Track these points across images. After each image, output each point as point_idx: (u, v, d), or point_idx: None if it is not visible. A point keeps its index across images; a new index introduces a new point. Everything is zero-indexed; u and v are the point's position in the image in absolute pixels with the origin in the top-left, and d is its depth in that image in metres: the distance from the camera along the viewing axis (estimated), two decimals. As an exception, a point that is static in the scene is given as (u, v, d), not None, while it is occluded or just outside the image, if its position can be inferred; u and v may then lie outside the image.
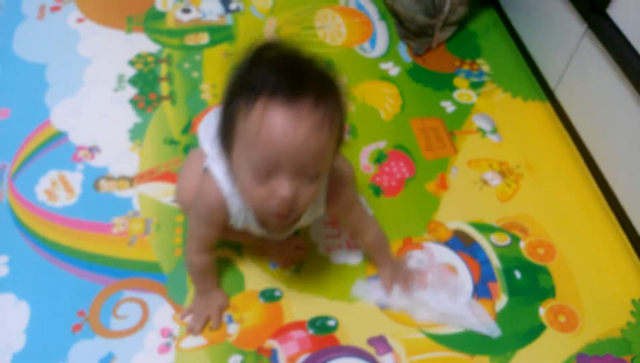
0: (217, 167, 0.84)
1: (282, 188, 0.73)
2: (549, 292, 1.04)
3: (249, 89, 0.71)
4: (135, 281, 1.03)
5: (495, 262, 1.08)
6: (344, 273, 1.06)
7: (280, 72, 0.71)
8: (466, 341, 0.98)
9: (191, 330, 0.96)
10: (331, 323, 0.99)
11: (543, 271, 1.07)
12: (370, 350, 0.96)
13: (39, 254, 1.06)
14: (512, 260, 1.09)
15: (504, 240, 1.11)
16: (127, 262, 1.06)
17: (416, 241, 1.11)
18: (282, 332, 0.98)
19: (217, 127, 0.79)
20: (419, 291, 1.01)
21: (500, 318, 1.01)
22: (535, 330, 1.00)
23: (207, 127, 0.91)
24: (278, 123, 0.69)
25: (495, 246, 1.10)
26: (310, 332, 0.97)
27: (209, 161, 0.87)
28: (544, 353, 0.97)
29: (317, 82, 0.72)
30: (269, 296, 1.02)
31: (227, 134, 0.77)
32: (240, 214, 0.87)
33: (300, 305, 1.00)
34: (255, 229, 0.91)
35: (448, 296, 1.00)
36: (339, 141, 0.78)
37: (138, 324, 0.98)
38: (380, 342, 0.97)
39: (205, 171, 0.88)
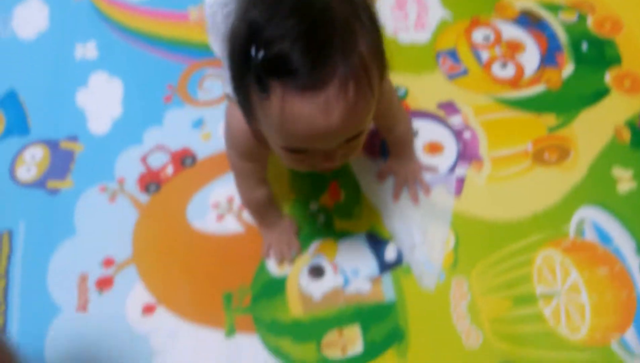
0: None
1: (324, 162, 0.64)
2: (614, 61, 1.07)
3: (256, 68, 0.56)
4: (216, 61, 1.09)
5: (562, 36, 1.10)
6: (412, 51, 1.09)
7: (293, 46, 0.54)
8: (533, 101, 1.02)
9: (283, 261, 0.90)
10: (400, 91, 1.04)
11: (610, 43, 1.09)
12: (440, 113, 1.02)
13: (124, 39, 1.13)
14: (579, 33, 1.10)
15: (571, 16, 1.12)
16: (207, 46, 1.11)
17: (484, 20, 1.12)
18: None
19: (231, 86, 0.64)
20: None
21: (566, 84, 1.05)
22: (600, 93, 1.03)
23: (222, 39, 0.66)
24: (303, 116, 0.56)
25: (563, 22, 1.12)
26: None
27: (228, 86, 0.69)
28: (608, 112, 1.01)
29: (344, 43, 0.55)
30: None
31: (244, 104, 0.63)
32: None
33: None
34: None
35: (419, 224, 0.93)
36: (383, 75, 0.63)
37: (222, 96, 1.05)
38: (449, 106, 1.03)
39: (228, 97, 0.75)
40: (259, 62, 0.55)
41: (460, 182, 0.96)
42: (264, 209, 0.89)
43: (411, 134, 0.96)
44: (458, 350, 0.83)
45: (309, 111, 0.56)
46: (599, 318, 0.85)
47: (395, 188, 0.95)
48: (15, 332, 0.86)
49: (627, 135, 0.99)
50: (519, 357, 0.82)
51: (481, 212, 0.93)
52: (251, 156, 0.78)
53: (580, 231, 0.92)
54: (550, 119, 1.01)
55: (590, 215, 0.93)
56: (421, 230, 0.92)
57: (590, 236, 0.92)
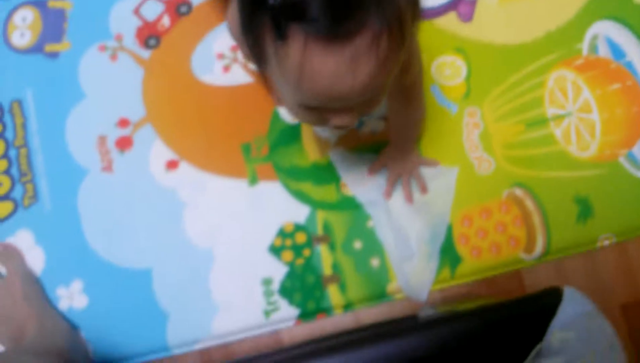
0: None
1: (339, 120, 0.55)
2: None
3: (273, 9, 0.46)
4: None
5: None
6: None
7: None
8: None
9: None
10: None
11: None
12: None
13: None
14: None
15: None
16: None
17: None
18: None
19: (239, 23, 0.52)
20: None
21: None
22: None
23: None
24: (325, 72, 0.47)
25: None
26: None
27: None
28: None
29: None
30: None
31: (254, 49, 0.52)
32: None
33: None
34: None
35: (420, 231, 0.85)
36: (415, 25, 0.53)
37: None
38: None
39: None
40: (276, 4, 0.45)
41: (472, 5, 0.92)
42: None
43: (420, 125, 0.85)
44: (471, 177, 0.87)
45: (333, 66, 0.47)
46: (608, 135, 0.88)
47: (387, 185, 0.86)
48: (47, 198, 0.90)
49: (650, -64, 0.92)
50: (530, 178, 0.86)
51: (493, 36, 0.91)
52: None
53: (593, 47, 0.90)
54: None
55: (604, 30, 0.91)
56: (418, 238, 0.85)
57: (603, 52, 0.90)
